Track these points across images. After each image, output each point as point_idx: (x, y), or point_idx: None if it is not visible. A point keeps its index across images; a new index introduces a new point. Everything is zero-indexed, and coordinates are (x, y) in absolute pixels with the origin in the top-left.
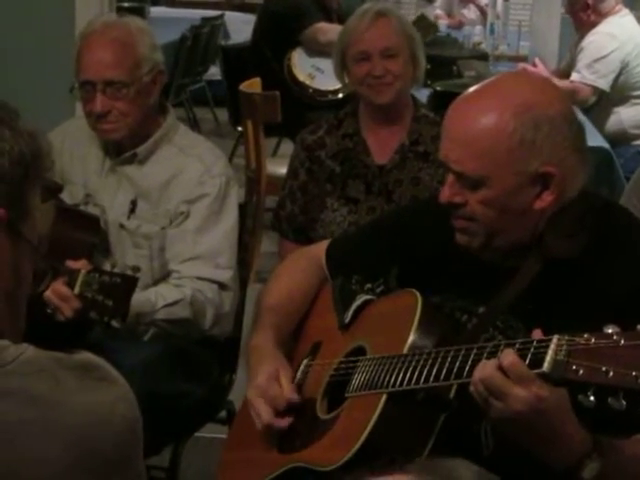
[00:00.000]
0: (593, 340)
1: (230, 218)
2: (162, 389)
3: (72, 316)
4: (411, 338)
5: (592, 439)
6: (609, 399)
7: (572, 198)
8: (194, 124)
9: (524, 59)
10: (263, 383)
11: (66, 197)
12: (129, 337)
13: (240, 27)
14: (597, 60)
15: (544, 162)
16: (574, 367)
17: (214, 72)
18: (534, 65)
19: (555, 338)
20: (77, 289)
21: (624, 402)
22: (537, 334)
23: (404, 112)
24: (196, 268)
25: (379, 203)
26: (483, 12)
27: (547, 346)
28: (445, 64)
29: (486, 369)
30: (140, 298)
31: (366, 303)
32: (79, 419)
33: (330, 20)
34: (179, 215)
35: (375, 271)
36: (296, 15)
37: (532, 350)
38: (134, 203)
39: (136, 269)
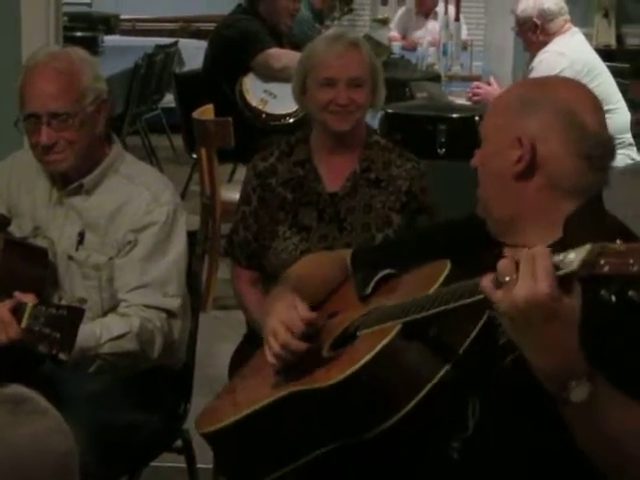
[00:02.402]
0: (625, 245)
1: (178, 246)
2: (113, 419)
3: (5, 343)
4: (435, 287)
5: (587, 365)
6: (630, 292)
7: (590, 199)
8: (150, 152)
9: (477, 79)
10: (282, 309)
11: (15, 230)
12: (76, 369)
13: (195, 54)
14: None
15: (524, 133)
16: (601, 263)
17: (170, 99)
18: (489, 84)
19: (588, 245)
20: (24, 322)
21: None
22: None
23: (355, 141)
24: (144, 297)
25: (331, 231)
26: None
27: (580, 251)
28: (398, 86)
29: (518, 253)
30: (85, 331)
31: (389, 277)
32: (11, 453)
33: (281, 45)
34: (127, 244)
35: (397, 266)
36: (247, 41)
37: (566, 254)
38: (82, 234)
39: (83, 301)
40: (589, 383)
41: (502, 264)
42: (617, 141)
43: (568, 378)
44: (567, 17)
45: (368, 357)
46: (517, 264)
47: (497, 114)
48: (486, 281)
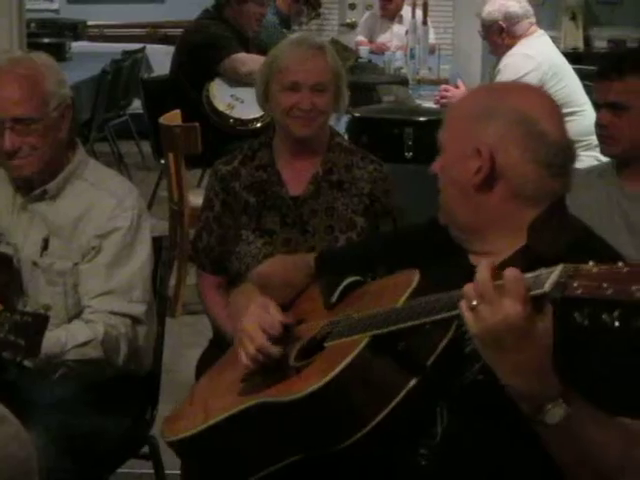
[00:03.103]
0: (598, 267)
1: (143, 251)
2: (79, 426)
3: None
4: (404, 299)
5: (561, 386)
6: (603, 315)
7: (553, 205)
8: (118, 158)
9: (445, 82)
10: (257, 311)
11: None
12: (40, 376)
13: (163, 59)
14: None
15: (483, 143)
16: (575, 285)
17: (138, 105)
18: (457, 87)
19: (561, 265)
20: None
21: (617, 320)
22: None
23: (317, 144)
24: (109, 303)
25: (294, 235)
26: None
27: (552, 272)
28: (365, 90)
29: (483, 272)
30: (50, 338)
31: (357, 284)
32: None
33: (248, 50)
34: (91, 250)
35: (362, 273)
36: (214, 46)
37: (536, 274)
38: (46, 240)
39: (47, 307)
40: (564, 405)
41: (471, 286)
42: (583, 143)
43: (543, 400)
44: (533, 20)
45: (336, 371)
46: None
47: (455, 123)
48: (462, 304)
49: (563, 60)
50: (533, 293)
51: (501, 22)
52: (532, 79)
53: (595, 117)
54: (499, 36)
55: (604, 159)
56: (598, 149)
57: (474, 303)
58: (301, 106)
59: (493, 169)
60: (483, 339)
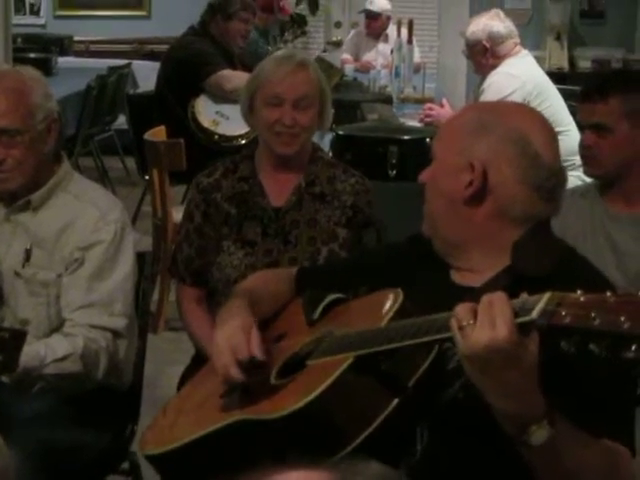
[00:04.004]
0: (585, 296)
1: (125, 265)
2: (58, 440)
3: None
4: (387, 318)
5: (547, 407)
6: (590, 345)
7: (537, 225)
8: (103, 173)
9: (430, 101)
10: (234, 330)
11: None
12: (19, 390)
13: (149, 75)
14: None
15: (477, 158)
16: (562, 313)
17: (123, 121)
18: (441, 105)
19: (548, 293)
20: None
21: (605, 350)
22: (524, 296)
23: (300, 157)
24: (90, 316)
25: (276, 245)
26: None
27: (539, 299)
28: (349, 108)
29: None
30: (29, 352)
31: (338, 301)
32: None
33: (233, 66)
34: (74, 262)
35: (344, 288)
36: (199, 62)
37: (524, 301)
38: (29, 251)
39: (26, 322)
40: (548, 426)
41: (460, 309)
42: (568, 163)
43: (528, 422)
44: (517, 40)
45: (318, 391)
46: (475, 310)
47: (450, 135)
48: (452, 322)
49: (547, 80)
50: (520, 320)
51: (485, 42)
52: (516, 98)
53: (578, 137)
54: (483, 56)
55: (588, 179)
56: (581, 169)
57: (464, 324)
58: (283, 121)
59: (484, 185)
60: (472, 361)
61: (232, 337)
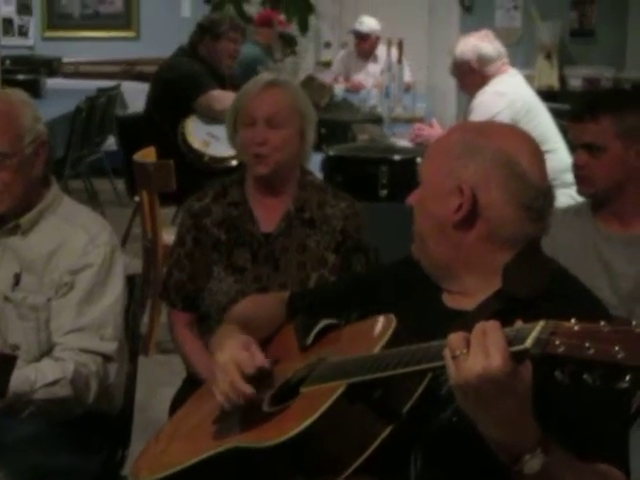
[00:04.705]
0: (579, 326)
1: (115, 288)
2: (48, 465)
3: None
4: (381, 345)
5: (540, 435)
6: (584, 375)
7: (527, 247)
8: (92, 195)
9: (421, 120)
10: (234, 347)
11: None
12: (9, 415)
13: (138, 96)
14: (488, 120)
15: (465, 181)
16: (556, 343)
17: (112, 142)
18: (431, 126)
19: (542, 322)
20: None
21: (599, 380)
22: (519, 324)
23: (288, 182)
24: (80, 340)
25: (265, 272)
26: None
27: (533, 327)
28: (340, 128)
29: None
30: (19, 377)
31: (332, 327)
32: None
33: (223, 87)
34: (63, 286)
35: (337, 313)
36: (189, 83)
37: (518, 330)
38: (18, 275)
39: (15, 347)
40: (542, 454)
41: (453, 338)
42: (558, 181)
43: (522, 451)
44: (505, 60)
45: (312, 419)
46: (468, 339)
47: (438, 158)
48: (445, 351)
49: (536, 98)
50: (514, 349)
51: (473, 63)
52: (505, 117)
53: (567, 155)
54: (470, 75)
55: (578, 197)
56: (573, 187)
57: (457, 353)
58: (254, 139)
59: (474, 208)
60: (464, 391)
61: (235, 355)
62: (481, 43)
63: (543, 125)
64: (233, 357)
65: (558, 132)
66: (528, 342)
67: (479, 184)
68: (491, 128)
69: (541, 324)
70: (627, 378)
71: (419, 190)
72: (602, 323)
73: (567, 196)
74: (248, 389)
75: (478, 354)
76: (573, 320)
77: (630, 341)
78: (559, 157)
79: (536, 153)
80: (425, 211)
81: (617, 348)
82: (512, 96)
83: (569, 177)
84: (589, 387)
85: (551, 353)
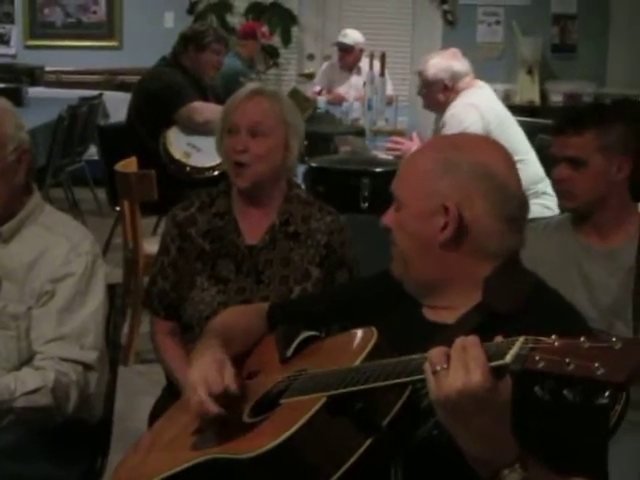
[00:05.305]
0: (559, 341)
1: (96, 297)
2: (26, 474)
3: None
4: (361, 358)
5: (519, 450)
6: (564, 391)
7: (508, 259)
8: (73, 204)
9: (402, 134)
10: (207, 365)
11: None
12: None
13: (120, 106)
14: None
15: (447, 197)
16: (536, 358)
17: (94, 152)
18: (410, 139)
19: (522, 337)
20: None
21: (579, 396)
22: (499, 339)
23: (273, 195)
24: (61, 349)
25: (248, 284)
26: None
27: (513, 343)
28: (322, 140)
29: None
30: None
31: (312, 339)
32: None
33: (205, 98)
34: (44, 294)
35: (317, 325)
36: (171, 94)
37: (497, 345)
38: None
39: None
40: (520, 469)
41: (433, 353)
42: (531, 191)
43: (500, 466)
44: (472, 75)
45: (291, 430)
46: (448, 355)
47: (415, 179)
48: (426, 366)
49: (505, 109)
50: (494, 364)
51: (447, 81)
52: (477, 128)
53: (539, 166)
54: (442, 93)
55: (552, 206)
56: (545, 197)
57: (437, 368)
58: (236, 146)
59: (460, 224)
60: (444, 406)
61: (205, 372)
62: (452, 62)
63: (514, 136)
64: (203, 375)
65: (527, 142)
66: (508, 358)
67: (463, 200)
68: (464, 141)
69: (521, 340)
70: (606, 394)
71: (398, 213)
72: (582, 339)
73: (540, 206)
74: (215, 409)
75: (458, 369)
76: (554, 336)
77: (610, 357)
78: (531, 167)
79: (511, 163)
80: (408, 233)
81: (597, 364)
82: (483, 107)
83: (541, 187)
84: (568, 403)
85: (531, 369)
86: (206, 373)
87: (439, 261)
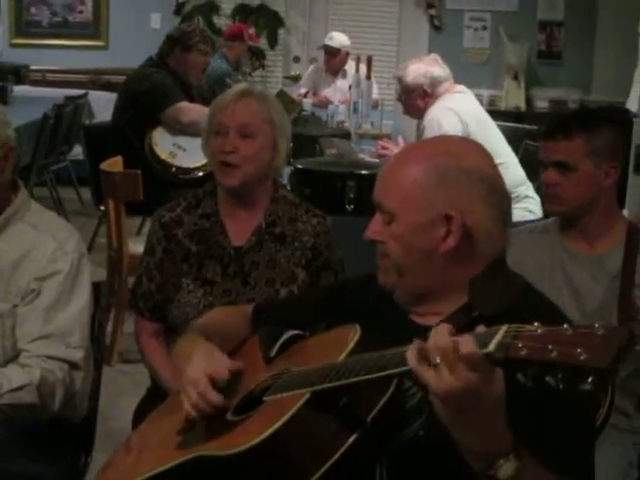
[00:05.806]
0: (542, 329)
1: (82, 296)
2: (9, 472)
3: None
4: (345, 354)
5: (512, 440)
6: (547, 377)
7: (495, 260)
8: (57, 203)
9: (388, 137)
10: (201, 358)
11: None
12: None
13: (105, 106)
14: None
15: (447, 206)
16: (519, 346)
17: (79, 151)
18: (397, 144)
19: (505, 326)
20: None
21: (561, 383)
22: (481, 329)
23: (260, 196)
24: (46, 347)
25: (235, 285)
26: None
27: (496, 332)
28: (307, 142)
29: (442, 338)
30: None
31: (296, 338)
32: None
33: (191, 99)
34: (30, 293)
35: (301, 325)
36: (157, 94)
37: (480, 332)
38: None
39: None
40: (515, 459)
41: (432, 346)
42: (513, 195)
43: (496, 456)
44: (452, 80)
45: (275, 426)
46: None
47: (407, 190)
48: (414, 360)
49: (485, 113)
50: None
51: (427, 87)
52: (456, 132)
53: (520, 169)
54: (421, 99)
55: (535, 209)
56: (528, 200)
57: (437, 361)
58: (224, 148)
59: (464, 232)
60: (445, 400)
61: (203, 365)
62: (432, 68)
63: (494, 139)
64: (204, 368)
65: (508, 147)
66: (491, 346)
67: (465, 208)
68: (447, 146)
69: (504, 328)
70: (589, 380)
71: (390, 226)
72: (565, 326)
73: (523, 209)
74: (217, 397)
75: (455, 365)
76: (536, 323)
77: (592, 343)
78: (512, 171)
79: (493, 161)
80: (405, 245)
81: (579, 350)
82: (462, 111)
83: (523, 190)
84: (551, 389)
85: (514, 356)
86: (203, 365)
87: (439, 269)
